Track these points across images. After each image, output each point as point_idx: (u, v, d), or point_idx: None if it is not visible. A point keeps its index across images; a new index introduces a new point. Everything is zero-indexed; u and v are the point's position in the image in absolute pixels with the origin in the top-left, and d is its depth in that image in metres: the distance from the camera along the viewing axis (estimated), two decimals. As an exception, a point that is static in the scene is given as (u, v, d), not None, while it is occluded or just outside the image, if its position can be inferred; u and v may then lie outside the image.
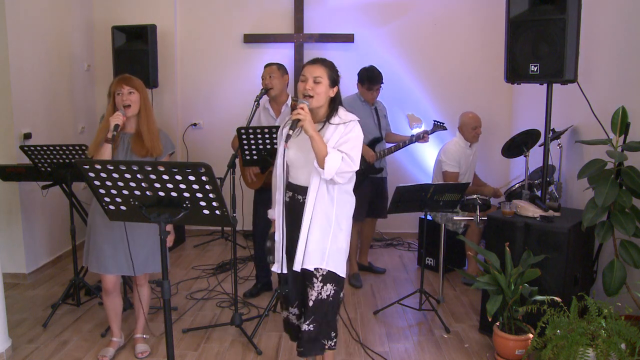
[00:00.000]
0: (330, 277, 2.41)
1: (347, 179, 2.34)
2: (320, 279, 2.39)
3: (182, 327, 3.38)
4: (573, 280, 3.05)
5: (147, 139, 2.76)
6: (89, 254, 2.86)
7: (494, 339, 2.97)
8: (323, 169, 2.24)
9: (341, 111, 2.41)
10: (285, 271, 2.47)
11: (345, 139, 2.31)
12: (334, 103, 2.40)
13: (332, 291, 2.42)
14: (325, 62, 2.39)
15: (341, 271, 2.43)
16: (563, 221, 3.04)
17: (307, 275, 2.42)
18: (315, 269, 2.38)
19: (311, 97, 2.32)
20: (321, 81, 2.32)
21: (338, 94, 2.41)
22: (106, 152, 2.67)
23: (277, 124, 3.68)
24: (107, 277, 2.86)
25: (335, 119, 2.37)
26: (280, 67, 3.73)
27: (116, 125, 2.64)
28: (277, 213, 2.47)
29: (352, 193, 2.48)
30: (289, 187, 2.48)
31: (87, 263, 2.89)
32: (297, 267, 2.39)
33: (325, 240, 2.37)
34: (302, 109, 2.25)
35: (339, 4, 5.32)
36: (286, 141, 2.29)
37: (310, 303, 2.41)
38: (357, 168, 2.33)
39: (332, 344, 2.50)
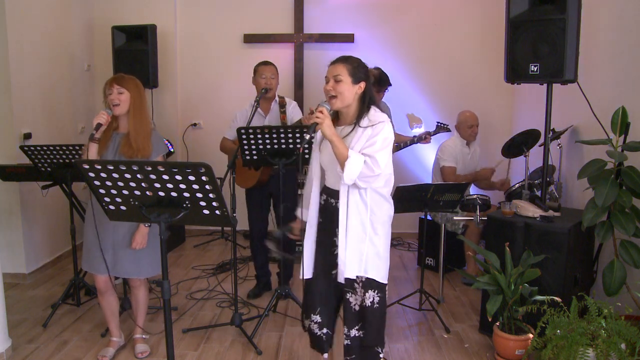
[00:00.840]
0: (370, 283, 2.33)
1: (371, 183, 2.24)
2: (361, 285, 2.34)
3: (182, 327, 3.38)
4: (573, 280, 3.05)
5: (134, 139, 2.72)
6: (82, 255, 2.86)
7: (494, 339, 2.97)
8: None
9: (371, 112, 2.29)
10: (310, 276, 2.43)
11: (372, 142, 2.21)
12: (364, 101, 2.29)
13: (377, 298, 2.34)
14: (346, 59, 2.27)
15: (381, 277, 2.34)
16: (563, 221, 3.04)
17: (347, 283, 2.35)
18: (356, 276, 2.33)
19: (335, 97, 2.25)
20: (342, 79, 2.23)
21: (367, 90, 2.29)
22: (91, 151, 2.65)
23: (266, 122, 3.68)
24: (98, 277, 2.86)
25: (364, 122, 2.26)
26: (276, 68, 3.72)
27: (98, 125, 2.63)
28: (309, 216, 2.41)
29: (389, 197, 2.37)
30: (324, 190, 2.43)
31: (83, 265, 2.89)
32: (340, 278, 2.32)
33: (361, 247, 2.29)
34: (320, 112, 2.18)
35: (339, 4, 5.33)
36: (301, 145, 2.27)
37: (356, 308, 2.36)
38: (381, 171, 2.21)
39: (383, 350, 2.43)
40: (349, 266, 2.30)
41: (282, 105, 3.73)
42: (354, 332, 2.38)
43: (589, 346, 2.41)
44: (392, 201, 2.40)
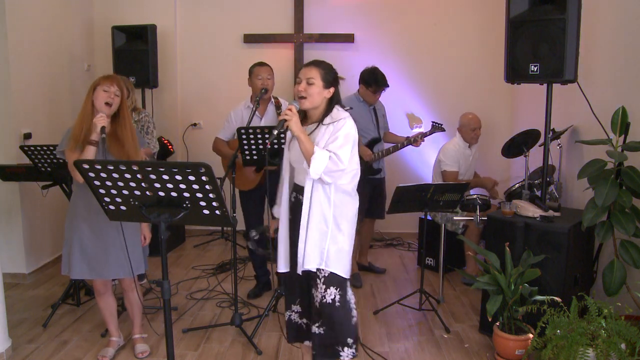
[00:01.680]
0: (332, 279, 2.38)
1: (337, 178, 2.31)
2: (322, 280, 2.38)
3: (182, 327, 3.38)
4: (573, 280, 3.05)
5: (125, 139, 2.72)
6: (74, 263, 2.76)
7: (494, 339, 2.97)
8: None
9: (334, 111, 2.39)
10: (287, 269, 2.48)
11: (334, 137, 2.29)
12: (331, 104, 2.40)
13: (337, 296, 2.39)
14: (320, 64, 2.39)
15: (342, 272, 2.40)
16: (563, 221, 3.04)
17: (311, 276, 2.41)
18: (317, 269, 2.37)
19: (304, 98, 2.33)
20: (314, 82, 2.33)
21: (335, 94, 2.41)
22: (90, 154, 2.61)
23: (262, 123, 3.68)
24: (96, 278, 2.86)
25: (326, 119, 2.37)
26: (271, 67, 3.71)
27: (102, 128, 2.60)
28: (281, 213, 2.48)
29: (353, 194, 2.44)
30: (295, 187, 2.49)
31: (67, 272, 2.80)
32: (298, 269, 2.38)
33: (323, 241, 2.35)
34: (289, 109, 2.26)
35: (339, 4, 5.33)
36: (269, 140, 2.31)
37: (317, 305, 2.41)
38: (345, 166, 2.28)
39: (352, 352, 2.43)
40: (309, 258, 2.35)
41: (278, 106, 3.73)
42: (314, 329, 2.44)
43: (589, 346, 2.41)
44: (357, 197, 2.46)
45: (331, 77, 2.38)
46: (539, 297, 2.79)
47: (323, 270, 2.37)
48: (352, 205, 2.43)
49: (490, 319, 2.88)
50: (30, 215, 4.22)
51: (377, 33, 5.32)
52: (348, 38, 5.27)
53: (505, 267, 2.93)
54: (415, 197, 3.43)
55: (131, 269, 2.80)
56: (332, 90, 2.38)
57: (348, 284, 2.46)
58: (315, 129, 2.38)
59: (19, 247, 4.15)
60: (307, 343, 2.62)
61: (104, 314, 3.00)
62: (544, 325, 2.58)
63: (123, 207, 2.01)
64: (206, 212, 1.95)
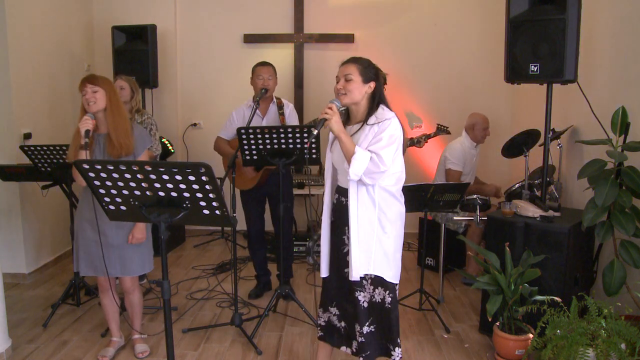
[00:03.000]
0: (378, 281, 2.35)
1: (377, 180, 2.26)
2: (369, 282, 2.36)
3: (182, 327, 3.38)
4: (573, 280, 3.05)
5: (114, 137, 2.70)
6: (80, 260, 2.83)
7: (494, 339, 2.97)
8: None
9: (379, 110, 2.33)
10: (326, 274, 2.45)
11: (378, 139, 2.24)
12: (374, 100, 2.34)
13: (387, 297, 2.36)
14: (357, 60, 2.33)
15: (389, 276, 2.35)
16: (563, 221, 3.04)
17: (354, 281, 2.36)
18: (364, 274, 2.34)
19: (344, 95, 2.30)
20: (352, 78, 2.29)
21: (377, 90, 2.34)
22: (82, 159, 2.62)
23: (264, 123, 3.68)
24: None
25: (371, 119, 2.31)
26: (274, 68, 3.71)
27: (87, 131, 2.60)
28: (323, 215, 2.45)
29: (399, 195, 2.38)
30: (337, 189, 2.46)
31: (77, 268, 2.86)
32: (354, 276, 2.32)
33: (369, 245, 2.31)
34: (330, 108, 2.22)
35: (339, 4, 5.33)
36: (308, 140, 2.30)
37: (365, 304, 2.37)
38: (387, 168, 2.22)
39: (399, 352, 2.40)
40: (358, 265, 2.31)
41: (280, 106, 3.73)
42: (366, 329, 2.39)
43: (589, 346, 2.41)
44: (403, 200, 2.40)
45: (371, 72, 2.33)
46: (539, 297, 2.79)
47: (369, 273, 2.34)
48: (396, 207, 2.37)
49: (490, 319, 2.88)
50: (30, 215, 4.22)
51: (377, 33, 5.32)
52: (348, 38, 5.28)
53: (505, 267, 2.93)
54: (415, 197, 3.43)
55: (132, 269, 2.81)
56: (372, 85, 2.32)
57: (396, 287, 2.41)
58: (360, 129, 2.33)
59: (19, 247, 4.15)
60: (343, 349, 2.53)
61: (106, 312, 3.00)
62: (544, 325, 2.58)
63: (123, 207, 2.01)
64: (206, 212, 1.95)
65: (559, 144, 3.77)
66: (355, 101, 2.32)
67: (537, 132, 3.82)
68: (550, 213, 3.09)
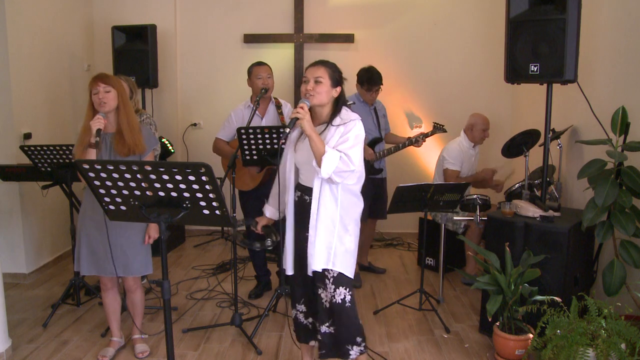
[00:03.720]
0: (341, 279, 2.39)
1: (345, 178, 2.32)
2: (331, 280, 2.39)
3: (182, 327, 3.38)
4: (573, 280, 3.05)
5: (128, 136, 2.71)
6: (81, 259, 2.83)
7: (494, 339, 2.97)
8: (320, 167, 2.25)
9: (343, 111, 2.41)
10: (292, 272, 2.49)
11: (344, 139, 2.31)
12: (338, 104, 2.41)
13: (347, 296, 2.41)
14: (327, 63, 2.40)
15: (349, 272, 2.42)
16: (563, 221, 3.04)
17: (318, 277, 2.42)
18: (324, 270, 2.38)
19: (312, 96, 2.33)
20: (322, 81, 2.34)
21: (342, 94, 2.42)
22: (91, 157, 2.62)
23: (263, 123, 3.67)
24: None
25: (336, 120, 2.38)
26: (270, 67, 3.70)
27: (98, 130, 2.60)
28: (286, 213, 2.47)
29: (359, 195, 2.46)
30: (298, 187, 2.49)
31: (78, 268, 2.86)
32: (309, 270, 2.39)
33: (330, 241, 2.37)
34: (301, 107, 2.26)
35: (339, 4, 5.33)
36: (283, 139, 2.31)
37: (327, 305, 2.42)
38: (355, 167, 2.30)
39: (360, 349, 2.46)
40: (317, 259, 2.36)
41: (278, 106, 3.73)
42: (324, 328, 2.45)
43: (589, 346, 2.41)
44: (362, 199, 2.48)
45: (338, 76, 2.40)
46: (539, 297, 2.79)
47: (331, 270, 2.38)
48: (358, 206, 2.45)
49: (490, 319, 2.88)
50: (30, 215, 4.22)
51: (377, 33, 5.32)
52: (348, 38, 5.28)
53: (505, 267, 2.93)
54: (415, 197, 3.43)
55: (134, 269, 2.81)
56: (338, 89, 2.40)
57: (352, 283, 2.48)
58: (325, 129, 2.38)
59: (19, 247, 4.15)
60: (312, 343, 2.62)
61: (107, 312, 2.99)
62: (544, 325, 2.58)
63: (123, 207, 2.01)
64: (206, 212, 1.95)
65: (559, 144, 3.77)
66: (323, 103, 2.37)
67: (537, 132, 3.82)
68: (550, 213, 3.09)
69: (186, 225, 5.47)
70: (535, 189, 3.77)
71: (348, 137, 2.31)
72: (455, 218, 4.04)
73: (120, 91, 2.75)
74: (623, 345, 2.41)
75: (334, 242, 2.37)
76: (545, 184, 3.36)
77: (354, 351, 2.45)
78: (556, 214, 3.13)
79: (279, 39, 5.34)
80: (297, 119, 2.25)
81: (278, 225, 2.62)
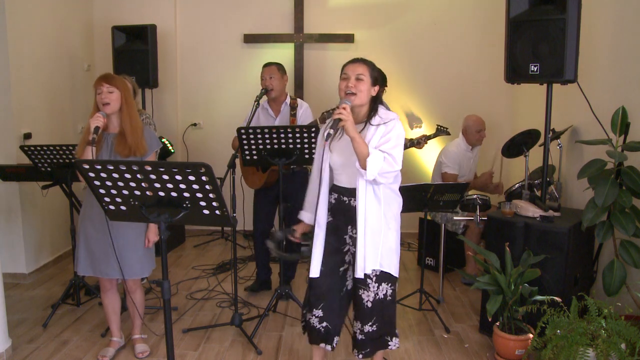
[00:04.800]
0: (383, 276, 2.39)
1: (390, 179, 2.31)
2: (374, 279, 2.38)
3: (182, 327, 3.38)
4: (573, 280, 3.05)
5: (130, 137, 2.71)
6: (79, 260, 2.83)
7: (494, 339, 2.97)
8: (365, 170, 2.22)
9: (381, 110, 2.37)
10: (317, 275, 2.44)
11: (386, 139, 2.28)
12: (375, 103, 2.37)
13: (389, 290, 2.41)
14: (367, 61, 2.36)
15: (395, 271, 2.41)
16: (563, 221, 3.04)
17: (359, 279, 2.38)
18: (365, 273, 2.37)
19: (354, 94, 2.29)
20: (363, 79, 2.30)
21: (379, 93, 2.38)
22: (88, 155, 2.61)
23: (276, 123, 3.68)
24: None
25: (375, 119, 2.34)
26: (280, 67, 3.73)
27: (96, 128, 2.60)
28: (318, 216, 2.42)
29: (399, 192, 2.44)
30: (334, 189, 2.46)
31: (77, 268, 2.86)
32: (360, 274, 2.35)
33: (377, 242, 2.35)
34: (344, 108, 2.21)
35: (339, 4, 5.32)
36: (326, 140, 2.27)
37: (369, 304, 2.39)
38: (400, 167, 2.29)
39: (396, 341, 2.47)
40: (368, 261, 2.34)
41: (294, 107, 3.74)
42: (367, 328, 2.42)
43: (589, 346, 2.41)
44: (401, 196, 2.46)
45: (377, 75, 2.35)
46: (539, 297, 2.79)
47: (374, 270, 2.37)
48: (398, 202, 2.45)
49: (490, 319, 2.88)
50: (30, 215, 4.22)
51: (377, 33, 5.32)
52: (348, 38, 5.27)
53: (505, 267, 2.93)
54: (415, 197, 3.43)
55: (132, 272, 2.81)
56: (377, 88, 2.35)
57: (397, 280, 2.48)
58: (363, 129, 2.34)
59: (19, 247, 4.15)
60: (322, 346, 2.55)
61: (107, 312, 2.99)
62: (544, 325, 2.58)
63: (123, 207, 2.01)
64: (206, 212, 1.95)
65: (559, 144, 3.77)
66: (363, 103, 2.33)
67: (537, 132, 3.82)
68: (550, 213, 3.09)
69: (186, 225, 5.47)
70: (535, 189, 3.77)
71: (390, 137, 2.28)
72: (455, 218, 4.04)
73: (124, 92, 2.75)
74: (623, 345, 2.41)
75: (380, 242, 2.35)
76: (545, 184, 3.36)
77: (393, 342, 2.46)
78: (556, 214, 3.13)
79: (279, 39, 5.34)
80: (340, 119, 2.20)
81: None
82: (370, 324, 2.41)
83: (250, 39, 5.36)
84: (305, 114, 3.75)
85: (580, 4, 2.99)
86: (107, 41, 4.98)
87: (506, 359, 2.90)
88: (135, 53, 4.82)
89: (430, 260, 4.49)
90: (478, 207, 3.77)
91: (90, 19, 5.28)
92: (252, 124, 3.50)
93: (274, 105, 3.73)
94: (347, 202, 2.40)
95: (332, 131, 2.23)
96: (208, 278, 4.29)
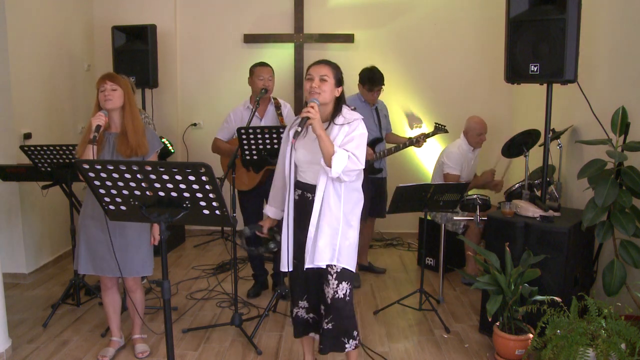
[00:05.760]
0: (344, 274, 2.43)
1: (353, 177, 2.36)
2: (335, 276, 2.42)
3: (182, 327, 3.38)
4: (573, 280, 3.05)
5: (132, 137, 2.72)
6: (79, 258, 2.83)
7: (494, 339, 2.97)
8: (330, 167, 2.27)
9: (345, 111, 2.44)
10: (291, 269, 2.48)
11: (350, 138, 2.34)
12: (339, 103, 2.43)
13: (348, 290, 2.45)
14: (330, 62, 2.44)
15: (353, 266, 2.46)
16: (563, 221, 3.04)
17: (320, 273, 2.45)
18: (328, 266, 2.41)
19: (318, 94, 2.34)
20: (327, 79, 2.36)
21: (342, 94, 2.45)
22: (89, 154, 2.61)
23: (261, 124, 3.67)
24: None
25: (339, 119, 2.40)
26: (272, 68, 3.71)
27: (98, 126, 2.60)
28: (286, 211, 2.47)
29: (361, 190, 2.50)
30: (298, 185, 2.51)
31: (77, 267, 2.87)
32: (307, 265, 2.41)
33: (334, 237, 2.39)
34: (312, 107, 2.27)
35: (339, 4, 5.33)
36: (294, 138, 2.30)
37: (329, 301, 2.44)
38: (363, 166, 2.35)
39: (356, 343, 2.51)
40: (321, 255, 2.38)
41: (277, 107, 3.73)
42: (325, 324, 2.47)
43: (589, 346, 2.41)
44: (362, 193, 2.51)
45: (340, 76, 2.44)
46: (539, 297, 2.79)
47: (335, 266, 2.41)
48: (360, 200, 2.50)
49: (490, 319, 2.88)
50: (30, 215, 4.22)
51: (377, 33, 5.32)
52: (348, 38, 5.27)
53: (505, 267, 2.93)
54: (415, 197, 3.43)
55: (133, 270, 2.81)
56: (340, 89, 2.43)
57: (354, 277, 2.52)
58: (327, 128, 2.40)
59: (19, 247, 4.15)
60: (311, 335, 2.65)
61: (108, 311, 2.99)
62: (544, 325, 2.58)
63: (123, 207, 2.02)
64: (206, 212, 1.95)
65: (559, 144, 3.77)
66: (326, 101, 2.39)
67: (537, 132, 3.82)
68: (550, 213, 3.09)
69: (186, 225, 5.47)
70: (535, 189, 3.77)
71: (353, 137, 2.35)
72: (455, 218, 4.04)
73: (126, 92, 2.77)
74: (623, 345, 2.41)
75: (338, 238, 2.39)
76: (545, 184, 3.36)
77: (350, 344, 2.49)
78: (556, 214, 3.13)
79: (279, 39, 5.34)
80: (308, 118, 2.26)
81: (280, 226, 2.61)
82: (327, 320, 2.46)
83: (250, 39, 5.36)
84: (289, 114, 3.76)
85: (580, 4, 2.99)
86: (107, 41, 4.98)
87: (506, 359, 2.90)
88: (135, 53, 4.83)
89: (430, 260, 4.49)
90: (478, 207, 3.77)
91: (90, 19, 5.28)
92: (237, 125, 3.48)
93: (259, 106, 3.70)
94: (310, 198, 2.44)
95: (299, 129, 2.27)
96: (208, 278, 4.29)
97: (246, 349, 3.13)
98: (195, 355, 3.06)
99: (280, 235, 2.53)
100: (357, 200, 2.48)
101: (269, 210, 2.68)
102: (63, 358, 3.02)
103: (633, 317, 2.69)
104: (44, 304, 3.75)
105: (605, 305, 2.55)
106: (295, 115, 3.83)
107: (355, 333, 2.50)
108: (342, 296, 2.43)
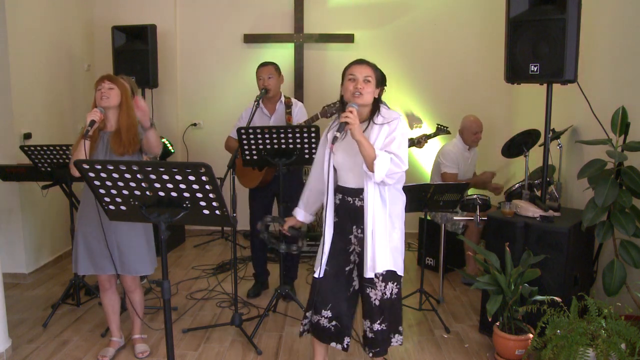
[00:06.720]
0: (389, 275, 2.40)
1: (397, 179, 2.32)
2: (381, 279, 2.39)
3: (182, 327, 3.38)
4: (573, 280, 3.05)
5: (125, 135, 2.73)
6: (78, 260, 2.83)
7: (494, 339, 2.97)
8: (372, 172, 2.22)
9: (383, 110, 2.38)
10: (322, 275, 2.44)
11: (391, 138, 2.29)
12: (377, 103, 2.39)
13: (395, 289, 2.42)
14: (371, 63, 2.38)
15: (400, 269, 2.42)
16: (563, 221, 3.04)
17: (366, 278, 2.39)
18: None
19: (361, 95, 2.30)
20: (370, 80, 2.31)
21: (381, 94, 2.41)
22: (81, 149, 2.61)
23: (271, 122, 3.68)
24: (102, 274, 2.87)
25: (378, 119, 2.35)
26: (277, 67, 3.72)
27: (92, 121, 2.62)
28: (326, 216, 2.43)
29: (402, 191, 2.46)
30: (338, 189, 2.47)
31: (76, 269, 2.86)
32: (369, 274, 2.36)
33: (385, 242, 2.36)
34: (350, 112, 2.22)
35: (339, 4, 5.33)
36: (333, 143, 2.27)
37: (377, 303, 2.40)
38: (406, 167, 2.30)
39: (401, 338, 2.49)
40: (379, 262, 2.34)
41: (288, 105, 3.74)
42: (377, 326, 2.42)
43: (589, 346, 2.41)
44: (404, 194, 2.47)
45: (380, 77, 2.38)
46: (539, 297, 2.79)
47: (385, 269, 2.38)
48: (402, 201, 2.45)
49: (490, 319, 2.88)
50: (30, 215, 4.22)
51: (377, 33, 5.32)
52: (348, 38, 5.27)
53: (505, 267, 2.93)
54: (415, 197, 3.43)
55: (132, 268, 2.81)
56: (378, 90, 2.38)
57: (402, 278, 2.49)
58: (366, 128, 2.35)
59: (19, 247, 4.15)
60: (333, 345, 2.54)
61: (107, 311, 2.99)
62: (544, 325, 2.58)
63: (123, 207, 2.01)
64: (206, 212, 1.95)
65: (559, 144, 3.77)
66: (368, 103, 2.34)
67: (537, 132, 3.82)
68: (550, 213, 3.09)
69: (186, 225, 5.47)
70: (535, 189, 3.77)
71: (395, 137, 2.28)
72: (455, 218, 4.04)
73: (124, 92, 2.79)
74: (623, 345, 2.41)
75: (387, 242, 2.36)
76: (545, 184, 3.36)
77: (396, 339, 2.47)
78: (556, 214, 3.13)
79: (279, 39, 5.34)
80: (347, 123, 2.21)
81: (305, 233, 2.56)
82: (379, 322, 2.42)
83: (250, 39, 5.36)
84: (300, 113, 3.76)
85: (580, 4, 2.99)
86: (107, 41, 4.98)
87: (506, 359, 2.90)
88: (135, 53, 4.83)
89: (430, 260, 4.49)
90: (478, 207, 3.77)
91: (90, 19, 5.28)
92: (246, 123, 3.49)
93: (268, 104, 3.73)
94: (351, 202, 2.41)
95: (338, 134, 2.22)
96: (208, 278, 4.29)
97: (246, 349, 3.13)
98: (195, 355, 3.06)
99: (304, 242, 2.49)
100: (400, 201, 2.43)
101: (299, 213, 2.63)
102: (63, 358, 3.02)
103: (633, 317, 2.69)
104: (44, 304, 3.75)
105: (605, 305, 2.55)
106: (307, 114, 3.84)
107: (401, 328, 2.49)
108: (390, 295, 2.41)
